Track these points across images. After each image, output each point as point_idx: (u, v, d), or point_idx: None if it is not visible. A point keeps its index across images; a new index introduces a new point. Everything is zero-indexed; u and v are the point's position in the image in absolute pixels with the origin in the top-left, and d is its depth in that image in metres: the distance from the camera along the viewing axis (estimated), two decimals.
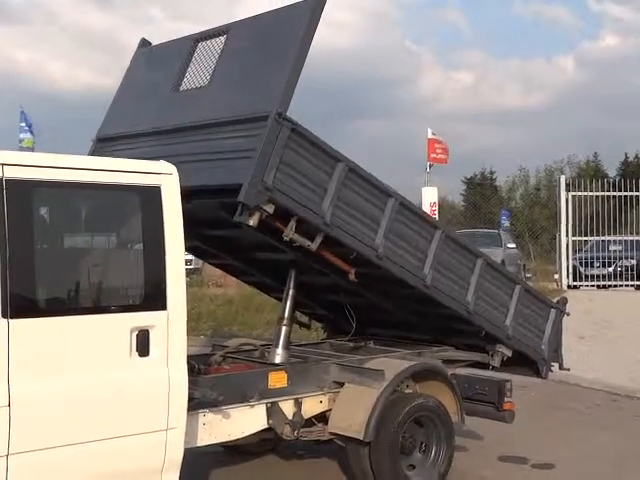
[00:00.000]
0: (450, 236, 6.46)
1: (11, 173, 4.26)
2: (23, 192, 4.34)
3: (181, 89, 6.11)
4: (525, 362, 7.12)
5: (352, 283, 6.08)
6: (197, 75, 6.02)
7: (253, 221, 5.18)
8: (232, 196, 5.12)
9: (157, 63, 6.60)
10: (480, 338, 6.73)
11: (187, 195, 4.90)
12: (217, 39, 5.99)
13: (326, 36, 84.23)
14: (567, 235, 17.79)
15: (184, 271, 4.83)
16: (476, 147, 66.11)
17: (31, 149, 16.83)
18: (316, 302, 7.32)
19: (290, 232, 5.38)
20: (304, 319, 7.54)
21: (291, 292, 6.36)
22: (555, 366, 7.34)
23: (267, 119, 5.14)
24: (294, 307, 6.47)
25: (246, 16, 6.06)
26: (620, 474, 6.67)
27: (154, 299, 4.73)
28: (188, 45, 6.21)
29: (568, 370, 7.34)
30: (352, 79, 78.39)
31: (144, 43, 6.87)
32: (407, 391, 6.13)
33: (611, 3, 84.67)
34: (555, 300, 7.56)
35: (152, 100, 6.30)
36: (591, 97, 74.62)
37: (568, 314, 7.36)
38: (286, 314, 6.32)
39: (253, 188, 5.07)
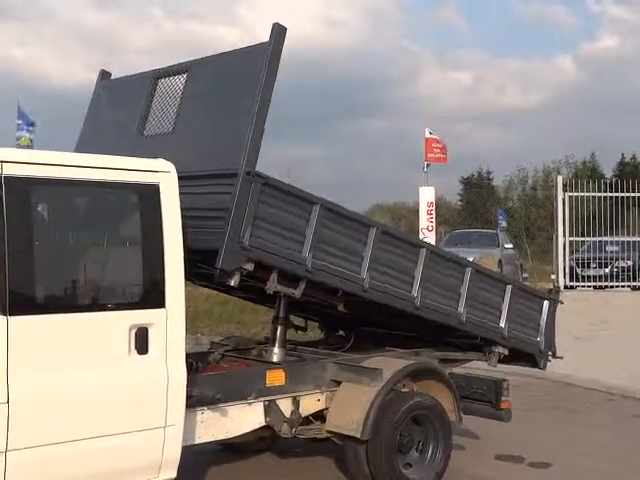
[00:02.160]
0: (435, 252, 6.47)
1: (10, 170, 4.27)
2: (22, 189, 4.35)
3: (145, 133, 6.02)
4: (522, 355, 7.17)
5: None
6: (160, 118, 5.92)
7: (234, 281, 5.16)
8: (208, 255, 5.05)
9: (119, 100, 6.48)
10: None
11: None
12: (177, 77, 5.90)
13: (325, 35, 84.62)
14: (564, 236, 17.80)
15: (183, 269, 4.84)
16: (474, 147, 66.25)
17: (29, 147, 16.80)
18: (308, 313, 7.32)
19: (272, 285, 5.36)
20: (300, 321, 7.53)
21: (282, 303, 6.28)
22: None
23: (236, 176, 5.03)
24: (288, 310, 6.44)
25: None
26: (616, 473, 6.69)
27: (153, 297, 4.74)
28: (149, 82, 6.11)
29: (561, 358, 7.38)
30: (352, 78, 78.50)
31: (104, 75, 6.74)
32: (404, 390, 6.14)
33: (611, 4, 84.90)
34: (548, 290, 7.61)
35: (117, 143, 6.15)
36: (589, 97, 74.75)
37: (562, 302, 7.40)
38: (281, 314, 6.32)
39: (230, 252, 5.00)
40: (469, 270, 6.48)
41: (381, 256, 5.85)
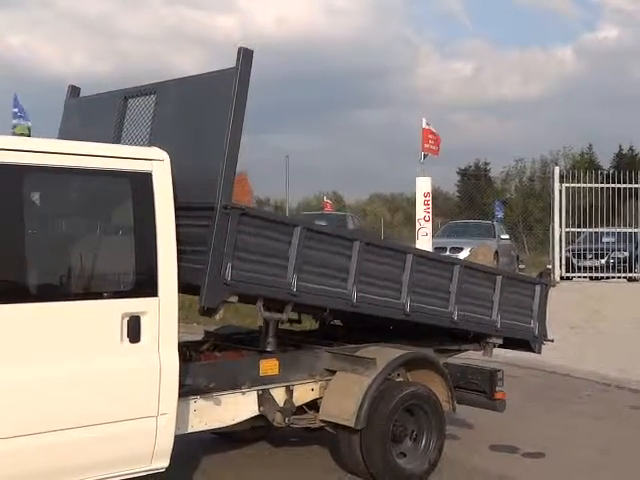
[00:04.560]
0: (422, 255, 6.45)
1: (1, 158, 4.24)
2: (14, 177, 4.32)
3: None
4: (517, 340, 7.20)
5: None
6: (132, 143, 5.74)
7: (219, 316, 5.10)
8: (190, 287, 4.97)
9: (90, 121, 6.32)
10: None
11: None
12: (146, 97, 5.77)
13: (326, 24, 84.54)
14: (560, 226, 17.79)
15: (176, 257, 4.81)
16: (472, 138, 66.28)
17: (26, 135, 16.72)
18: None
19: (259, 313, 5.31)
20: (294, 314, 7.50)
21: None
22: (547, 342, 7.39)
23: (212, 209, 4.90)
24: None
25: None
26: (610, 463, 6.69)
27: (145, 285, 4.72)
28: (118, 101, 5.99)
29: (552, 341, 7.40)
30: (351, 68, 78.56)
31: (73, 91, 6.59)
32: (398, 380, 6.14)
33: None
34: (538, 273, 7.65)
35: None
36: (589, 88, 74.80)
37: (553, 285, 7.41)
38: None
39: (212, 289, 4.92)
40: (457, 268, 6.46)
41: (367, 268, 5.79)
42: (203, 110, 5.31)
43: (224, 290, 4.99)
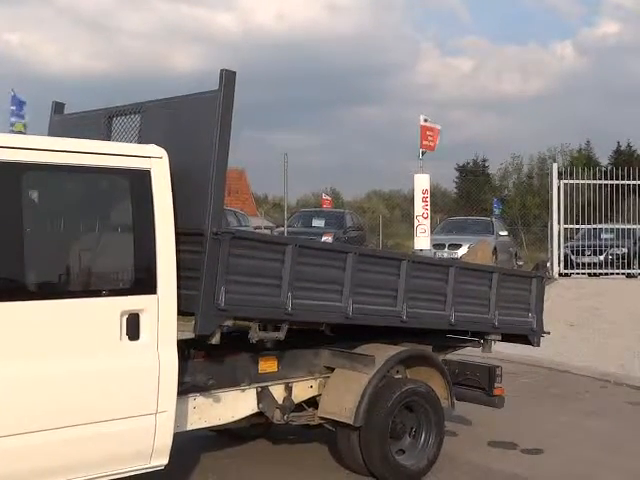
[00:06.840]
0: (417, 261, 6.43)
1: (0, 155, 4.23)
2: (12, 175, 4.31)
3: None
4: (516, 334, 7.20)
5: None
6: None
7: (215, 340, 5.04)
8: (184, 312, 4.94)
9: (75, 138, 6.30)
10: None
11: None
12: (131, 117, 5.69)
13: (325, 20, 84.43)
14: (559, 223, 17.82)
15: (175, 255, 4.81)
16: (472, 134, 66.25)
17: (23, 133, 16.68)
18: None
19: (255, 334, 5.27)
20: None
21: None
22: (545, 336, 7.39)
23: (202, 235, 4.84)
24: None
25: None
26: (608, 459, 6.70)
27: (144, 283, 4.72)
28: (103, 120, 5.90)
29: (548, 333, 7.40)
30: (351, 64, 78.52)
31: (57, 107, 6.51)
32: (397, 377, 6.15)
33: None
34: (534, 265, 7.62)
35: None
36: (588, 85, 74.71)
37: (549, 278, 7.39)
38: None
39: (206, 317, 4.87)
40: (452, 270, 6.43)
41: (361, 279, 5.74)
42: (188, 133, 5.24)
43: (219, 316, 4.95)
